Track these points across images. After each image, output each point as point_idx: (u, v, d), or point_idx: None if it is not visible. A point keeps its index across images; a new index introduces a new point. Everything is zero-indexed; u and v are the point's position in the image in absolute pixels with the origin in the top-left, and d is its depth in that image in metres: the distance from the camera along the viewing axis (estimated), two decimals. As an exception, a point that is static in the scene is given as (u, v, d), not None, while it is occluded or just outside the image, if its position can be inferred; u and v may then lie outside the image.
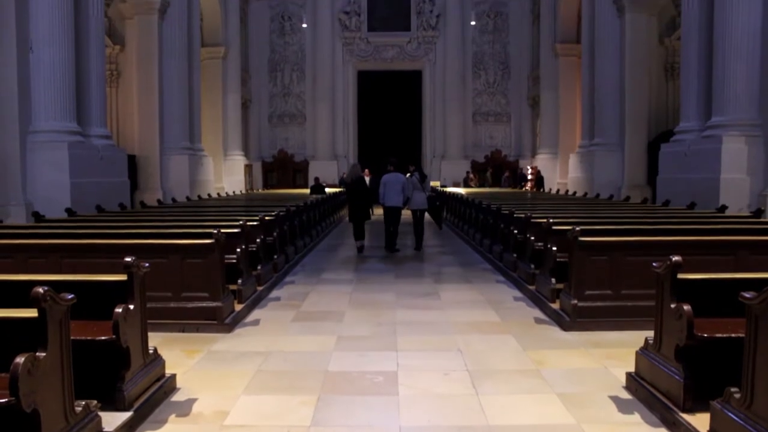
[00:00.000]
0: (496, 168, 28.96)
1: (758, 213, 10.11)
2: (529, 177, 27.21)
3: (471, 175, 28.10)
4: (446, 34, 29.12)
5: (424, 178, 13.40)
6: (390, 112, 29.83)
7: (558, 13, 25.54)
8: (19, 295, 3.70)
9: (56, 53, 12.74)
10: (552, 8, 25.91)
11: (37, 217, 9.81)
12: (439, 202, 15.26)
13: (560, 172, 24.83)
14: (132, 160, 17.23)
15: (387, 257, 12.43)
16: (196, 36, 20.91)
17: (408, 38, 29.38)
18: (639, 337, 4.88)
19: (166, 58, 18.96)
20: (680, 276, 4.35)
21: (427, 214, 14.03)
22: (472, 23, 28.82)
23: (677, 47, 18.37)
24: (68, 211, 10.66)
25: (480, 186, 27.02)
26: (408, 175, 13.28)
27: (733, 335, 3.90)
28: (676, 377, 4.12)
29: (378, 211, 13.63)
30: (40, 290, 3.23)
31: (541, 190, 25.21)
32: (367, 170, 25.30)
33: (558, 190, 22.71)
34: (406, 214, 13.47)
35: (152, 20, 18.68)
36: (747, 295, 3.39)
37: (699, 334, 3.99)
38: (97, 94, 14.28)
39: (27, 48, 12.56)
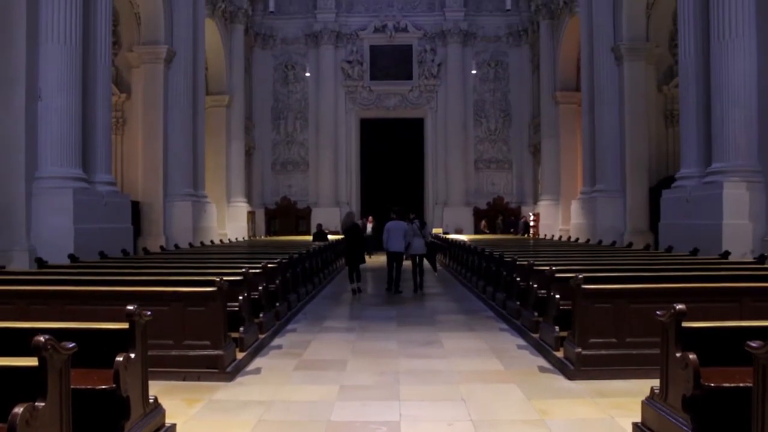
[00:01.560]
0: (494, 215, 29.05)
1: (762, 259, 10.07)
2: (531, 223, 27.24)
3: (484, 222, 28.18)
4: (448, 82, 29.55)
5: (423, 226, 14.23)
6: (392, 160, 30.09)
7: (557, 62, 25.94)
8: (20, 342, 3.68)
9: (64, 101, 12.94)
10: (551, 57, 26.32)
11: (40, 263, 9.81)
12: (433, 246, 16.42)
13: (562, 218, 24.87)
14: (135, 206, 17.30)
15: (389, 304, 12.37)
16: (201, 84, 21.24)
17: (410, 87, 29.81)
18: (645, 385, 4.81)
19: (171, 106, 19.23)
20: (685, 324, 4.31)
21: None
22: (473, 72, 29.27)
23: (676, 95, 18.60)
24: (71, 257, 10.67)
25: (492, 232, 27.11)
26: (409, 222, 14.16)
27: (741, 385, 3.84)
28: (684, 428, 4.05)
29: (381, 258, 13.76)
30: (41, 339, 3.21)
31: (526, 235, 25.54)
32: (371, 217, 25.35)
33: (560, 237, 22.71)
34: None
35: (158, 69, 19.03)
36: (753, 344, 3.36)
37: (706, 383, 3.94)
38: (103, 142, 14.43)
39: (36, 96, 12.76)
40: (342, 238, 16.96)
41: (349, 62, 29.78)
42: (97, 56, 14.22)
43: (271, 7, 28.67)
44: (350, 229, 14.29)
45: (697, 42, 13.97)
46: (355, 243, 13.99)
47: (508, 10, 28.62)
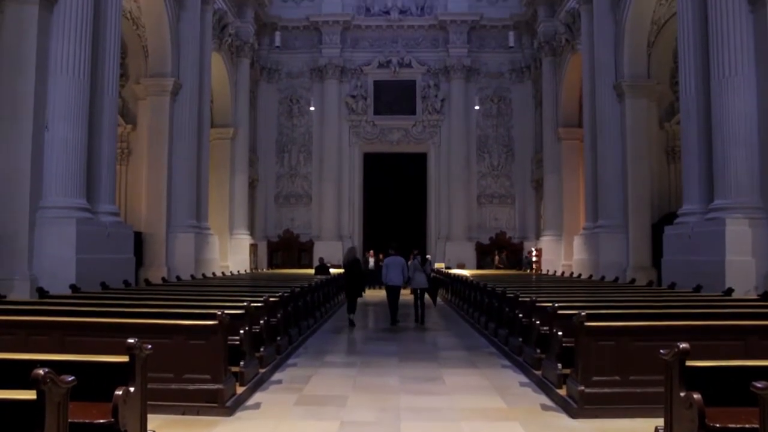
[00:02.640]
0: (500, 249, 29.03)
1: (766, 296, 10.02)
2: (534, 259, 27.18)
3: (497, 257, 28.14)
4: (451, 117, 29.75)
5: (424, 261, 15.15)
6: (395, 194, 30.15)
7: (559, 99, 26.14)
8: (19, 374, 3.65)
9: (70, 131, 13.09)
10: (554, 94, 26.54)
11: (41, 292, 9.80)
12: (434, 281, 17.74)
13: (565, 253, 24.80)
14: (138, 237, 17.33)
15: (391, 339, 12.30)
16: (206, 117, 21.43)
17: (413, 121, 30.01)
18: (649, 424, 4.77)
19: (176, 137, 19.38)
20: (689, 363, 4.28)
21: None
22: (476, 108, 29.49)
23: (677, 131, 18.73)
24: (72, 287, 10.65)
25: (504, 267, 27.08)
26: (411, 258, 15.11)
27: (746, 426, 3.80)
28: (689, 469, 3.99)
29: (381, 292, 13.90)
30: (40, 372, 3.20)
31: (528, 270, 25.58)
32: (371, 251, 25.36)
33: (563, 272, 22.63)
34: (405, 292, 15.14)
35: (164, 101, 19.23)
36: (758, 385, 3.33)
37: (711, 424, 3.89)
38: (108, 172, 14.53)
39: (42, 125, 12.91)
40: (343, 272, 17.36)
41: (353, 97, 30.04)
42: (104, 88, 14.41)
43: (277, 42, 29.10)
44: (351, 263, 15.11)
45: (697, 80, 14.12)
46: (354, 277, 14.88)
47: (511, 47, 29.00)
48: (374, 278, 22.95)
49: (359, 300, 15.36)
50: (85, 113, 13.54)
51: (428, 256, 26.13)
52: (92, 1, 13.76)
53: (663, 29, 19.24)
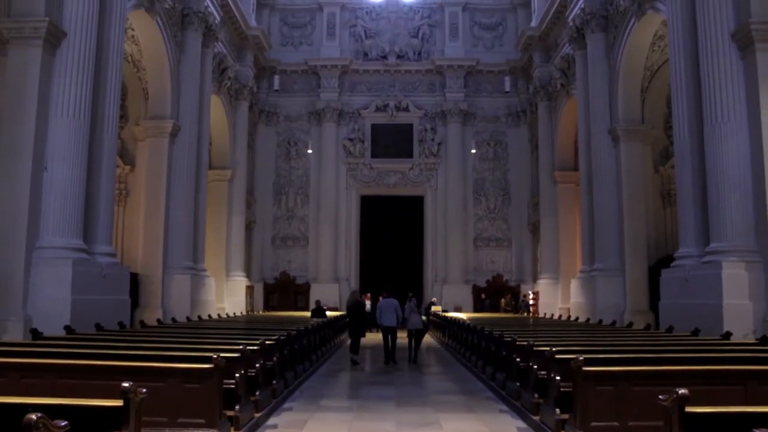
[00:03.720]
0: (497, 292, 28.96)
1: (764, 340, 9.97)
2: (531, 302, 27.08)
3: (503, 300, 28.03)
4: (448, 161, 29.97)
5: (419, 304, 15.96)
6: (392, 237, 30.18)
7: (555, 142, 26.40)
8: (11, 418, 3.61)
9: (69, 172, 13.17)
10: (549, 138, 26.80)
11: (35, 334, 9.72)
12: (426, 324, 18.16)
13: (562, 297, 24.73)
14: (134, 278, 17.26)
15: (388, 383, 12.17)
16: (205, 159, 21.55)
17: (410, 165, 30.22)
18: (649, 473, 4.70)
19: (174, 179, 19.46)
20: (688, 409, 4.25)
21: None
22: (473, 151, 29.74)
23: (672, 175, 18.88)
24: (67, 328, 10.57)
25: (513, 311, 26.95)
26: (407, 301, 15.75)
27: (747, 473, 3.75)
28: None
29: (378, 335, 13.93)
30: (33, 417, 3.16)
31: (525, 314, 25.48)
32: (368, 294, 25.31)
33: (560, 316, 22.53)
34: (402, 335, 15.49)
35: (163, 143, 19.37)
36: None
37: (712, 471, 3.85)
38: (105, 213, 14.55)
39: (42, 166, 12.97)
40: (345, 314, 18.12)
41: (351, 140, 30.30)
42: (104, 130, 14.53)
43: (276, 85, 29.47)
44: (354, 306, 15.76)
45: (691, 125, 14.32)
46: (358, 319, 15.54)
47: (507, 92, 29.39)
48: (370, 321, 22.81)
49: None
50: (85, 154, 13.63)
51: (434, 299, 26.30)
52: (94, 44, 14.00)
53: (656, 75, 19.58)
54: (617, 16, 19.47)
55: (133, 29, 18.11)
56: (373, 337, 17.13)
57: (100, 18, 14.33)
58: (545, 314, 24.82)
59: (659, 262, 18.38)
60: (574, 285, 21.67)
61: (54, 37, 13.24)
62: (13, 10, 13.28)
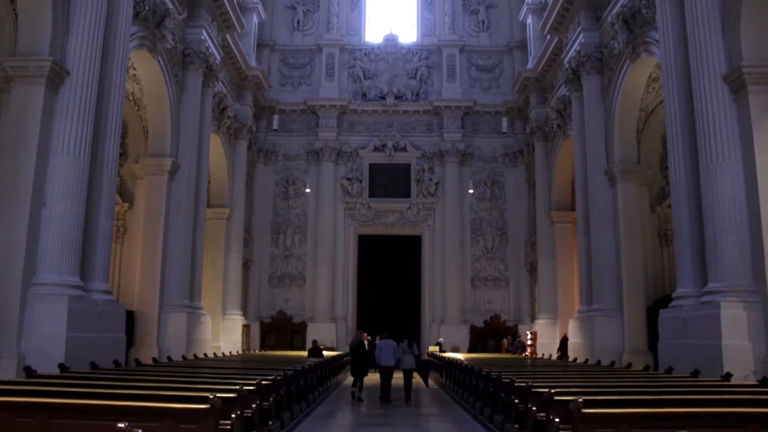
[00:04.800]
0: (495, 333, 28.80)
1: (765, 382, 9.91)
2: (529, 342, 26.90)
3: (506, 341, 27.80)
4: (445, 201, 30.08)
5: (411, 344, 16.59)
6: (390, 276, 30.11)
7: (552, 183, 26.56)
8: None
9: (68, 209, 13.19)
10: (546, 178, 26.96)
11: (29, 372, 9.61)
12: (425, 364, 19.31)
13: (560, 337, 24.58)
14: (130, 316, 17.15)
15: (385, 424, 12.03)
16: (203, 197, 21.60)
17: (408, 204, 30.31)
18: None
19: (172, 217, 19.47)
20: (690, 450, 4.21)
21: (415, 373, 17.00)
22: (470, 191, 29.88)
23: (669, 215, 18.93)
24: (61, 366, 10.47)
25: (514, 351, 26.73)
26: (401, 342, 16.35)
27: None
28: None
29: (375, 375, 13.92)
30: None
31: (524, 354, 25.18)
32: (366, 334, 25.32)
33: (567, 357, 22.36)
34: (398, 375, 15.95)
35: (162, 181, 19.43)
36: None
37: None
38: (103, 250, 14.53)
39: (40, 203, 13.00)
40: (347, 353, 19.43)
41: (349, 179, 30.44)
42: (104, 168, 14.60)
43: (275, 125, 29.74)
44: (357, 345, 16.92)
45: (686, 166, 14.42)
46: (361, 358, 16.52)
47: (504, 132, 29.71)
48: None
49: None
50: (84, 191, 13.69)
51: (441, 340, 26.51)
52: (97, 83, 14.16)
53: (651, 116, 19.79)
54: (612, 58, 19.78)
55: (134, 68, 18.34)
56: (369, 378, 17.10)
57: (103, 57, 14.53)
58: (543, 354, 24.64)
59: (657, 302, 18.32)
60: (572, 325, 21.57)
61: (57, 76, 13.41)
62: (18, 49, 13.48)
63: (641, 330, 18.60)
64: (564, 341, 24.75)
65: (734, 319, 12.59)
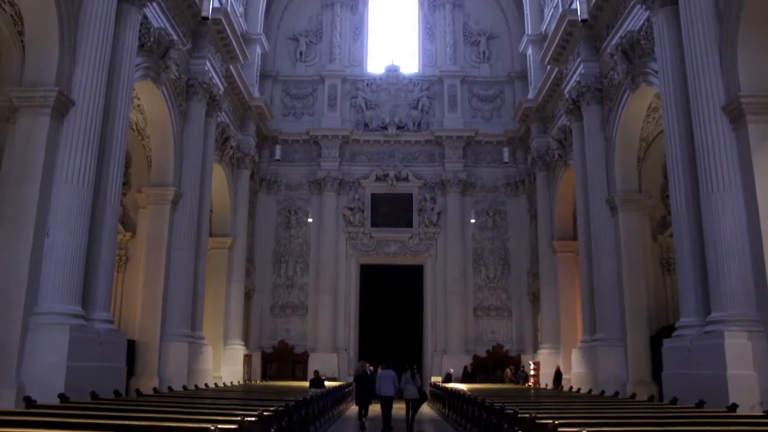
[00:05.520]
0: (498, 363, 28.58)
1: (771, 413, 9.82)
2: (532, 372, 26.69)
3: (508, 370, 27.55)
4: (447, 230, 30.07)
5: (413, 375, 16.87)
6: (392, 306, 29.98)
7: (554, 212, 26.57)
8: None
9: (70, 239, 13.21)
10: (548, 207, 26.99)
11: (28, 402, 9.54)
12: (422, 395, 19.12)
13: (563, 367, 24.39)
14: (131, 345, 17.07)
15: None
16: (205, 227, 21.63)
17: (410, 234, 30.30)
18: None
19: (174, 246, 19.48)
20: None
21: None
22: (472, 221, 29.90)
23: (670, 244, 18.94)
24: (61, 396, 10.39)
25: (517, 382, 26.49)
26: (405, 371, 16.82)
27: None
28: None
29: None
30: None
31: (526, 384, 24.90)
32: (369, 365, 25.25)
33: (561, 386, 22.18)
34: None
35: (165, 210, 19.49)
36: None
37: None
38: (104, 280, 14.53)
39: (43, 232, 13.02)
40: (351, 383, 20.14)
41: (351, 209, 30.49)
42: (107, 197, 14.67)
43: (277, 155, 29.90)
44: (361, 375, 17.63)
45: (687, 195, 14.47)
46: (365, 387, 17.23)
47: (506, 162, 29.82)
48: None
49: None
50: (87, 221, 13.73)
51: (451, 371, 26.66)
52: (101, 113, 14.30)
53: (652, 145, 19.90)
54: (612, 88, 19.95)
55: (139, 98, 18.52)
56: (371, 408, 17.06)
57: (108, 88, 14.70)
58: (546, 385, 24.44)
59: (661, 332, 18.21)
60: (576, 355, 21.41)
61: (63, 106, 13.54)
62: (25, 79, 13.63)
63: (645, 360, 18.46)
64: (557, 373, 24.79)
65: (739, 349, 12.51)
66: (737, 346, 12.52)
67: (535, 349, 28.15)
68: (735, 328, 12.71)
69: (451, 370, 26.76)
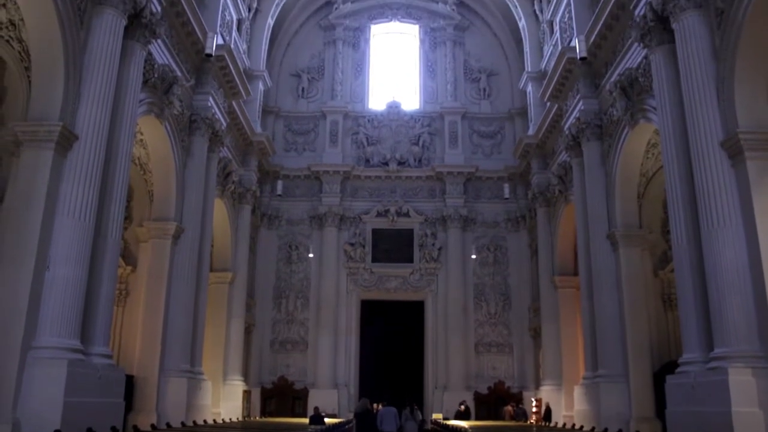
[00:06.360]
0: (498, 400, 28.27)
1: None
2: (534, 409, 26.38)
3: (511, 408, 27.23)
4: (448, 266, 30.04)
5: (413, 411, 17.89)
6: (392, 342, 29.85)
7: (555, 247, 26.57)
8: None
9: (71, 273, 13.21)
10: (549, 243, 27.00)
11: (25, 438, 9.46)
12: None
13: (565, 404, 24.12)
14: (129, 380, 16.93)
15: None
16: (206, 262, 21.64)
17: (411, 269, 30.25)
18: None
19: (175, 281, 19.47)
20: None
21: None
22: (473, 256, 29.88)
23: (672, 279, 18.90)
24: (57, 432, 10.30)
25: (517, 419, 26.15)
26: (405, 408, 18.29)
27: None
28: None
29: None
30: None
31: (547, 423, 24.41)
32: (370, 402, 25.17)
33: (564, 424, 21.91)
34: None
35: (166, 244, 19.52)
36: None
37: None
38: (104, 314, 14.49)
39: (44, 265, 13.04)
40: (353, 419, 20.25)
41: (352, 244, 30.50)
42: (108, 232, 14.72)
43: (279, 190, 30.07)
44: (363, 412, 18.69)
45: (688, 231, 14.50)
46: (367, 423, 18.14)
47: (507, 198, 29.93)
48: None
49: None
50: (87, 255, 13.75)
51: (461, 408, 26.26)
52: (104, 147, 14.44)
53: (652, 181, 20.00)
54: (611, 125, 20.14)
55: (142, 133, 18.71)
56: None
57: (112, 123, 14.87)
58: (549, 422, 24.14)
59: (664, 368, 18.07)
60: (578, 392, 21.21)
61: (66, 141, 13.67)
62: (30, 114, 13.78)
63: (648, 396, 18.27)
64: (547, 409, 24.70)
65: (743, 386, 12.39)
66: (742, 383, 12.39)
67: (537, 385, 27.88)
68: (739, 364, 12.61)
69: (462, 407, 26.32)
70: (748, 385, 12.39)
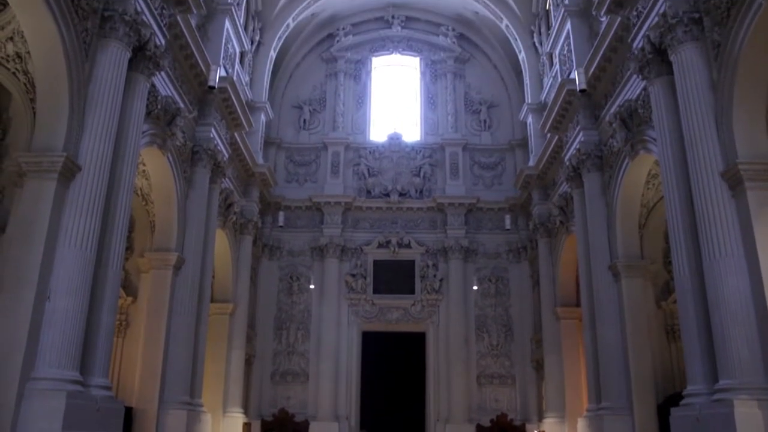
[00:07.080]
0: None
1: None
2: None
3: None
4: (449, 297, 29.90)
5: None
6: (393, 374, 29.54)
7: (556, 278, 26.48)
8: None
9: (71, 304, 13.13)
10: (550, 274, 26.92)
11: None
12: None
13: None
14: (128, 412, 16.73)
15: None
16: (207, 292, 21.55)
17: (412, 301, 30.11)
18: None
19: (175, 312, 19.37)
20: None
21: None
22: (475, 287, 29.76)
23: (675, 310, 18.78)
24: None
25: None
26: None
27: None
28: None
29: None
30: None
31: None
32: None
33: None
34: None
35: (167, 275, 19.45)
36: None
37: None
38: (104, 345, 14.37)
39: (45, 296, 13.00)
40: None
41: (353, 275, 30.40)
42: (109, 262, 14.67)
43: (281, 221, 30.07)
44: None
45: (690, 261, 14.45)
46: None
47: (508, 229, 29.91)
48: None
49: None
50: (88, 285, 13.70)
51: None
52: (107, 178, 14.48)
53: (653, 211, 20.02)
54: (611, 156, 20.21)
55: (144, 164, 18.79)
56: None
57: (115, 153, 14.93)
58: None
59: (668, 400, 17.87)
60: (581, 425, 20.94)
61: (69, 171, 13.72)
62: (34, 145, 13.85)
63: (653, 429, 18.04)
64: None
65: (749, 419, 12.22)
66: (748, 415, 12.23)
67: (540, 417, 27.56)
68: (744, 396, 12.47)
69: None
70: (754, 418, 12.23)
